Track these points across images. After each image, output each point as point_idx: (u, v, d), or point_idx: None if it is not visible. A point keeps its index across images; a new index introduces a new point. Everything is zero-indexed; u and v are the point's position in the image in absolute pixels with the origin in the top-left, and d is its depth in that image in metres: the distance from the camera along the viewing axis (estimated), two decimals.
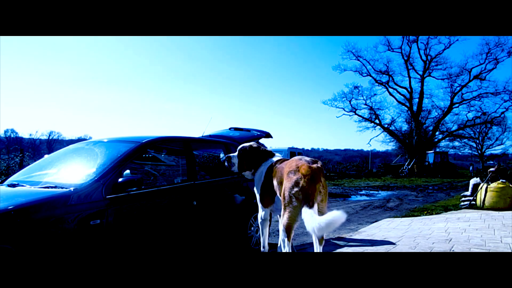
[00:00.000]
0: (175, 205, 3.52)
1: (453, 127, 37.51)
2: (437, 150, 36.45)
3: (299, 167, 2.68)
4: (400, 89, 36.57)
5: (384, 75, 36.22)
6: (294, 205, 2.57)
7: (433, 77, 36.16)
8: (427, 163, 32.82)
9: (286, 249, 2.62)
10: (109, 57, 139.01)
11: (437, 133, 37.58)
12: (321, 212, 2.60)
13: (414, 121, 36.23)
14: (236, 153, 3.55)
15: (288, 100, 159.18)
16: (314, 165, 2.69)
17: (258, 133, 5.57)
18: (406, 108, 37.19)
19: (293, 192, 2.59)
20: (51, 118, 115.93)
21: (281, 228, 2.68)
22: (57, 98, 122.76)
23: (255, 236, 4.45)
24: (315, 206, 2.49)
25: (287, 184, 2.66)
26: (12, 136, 61.72)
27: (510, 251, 3.81)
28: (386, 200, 11.40)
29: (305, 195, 2.53)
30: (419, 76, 36.18)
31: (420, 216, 7.23)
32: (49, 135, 66.25)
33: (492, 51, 32.83)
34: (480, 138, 44.22)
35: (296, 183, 2.60)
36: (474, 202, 7.88)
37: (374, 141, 47.06)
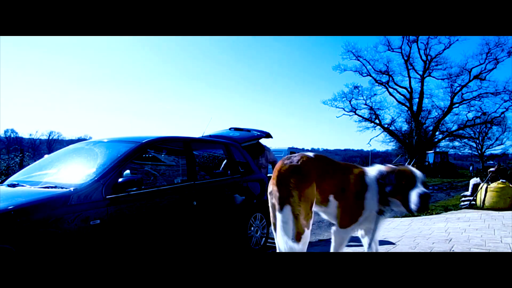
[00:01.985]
0: (175, 205, 3.52)
1: (453, 127, 37.49)
2: (437, 150, 36.43)
3: (276, 167, 2.67)
4: (400, 89, 36.55)
5: (384, 75, 36.18)
6: (271, 205, 2.61)
7: (433, 77, 36.13)
8: (427, 163, 32.81)
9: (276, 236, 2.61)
10: (109, 57, 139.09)
11: (437, 133, 37.56)
12: (298, 214, 2.48)
13: (414, 121, 36.22)
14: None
15: (288, 100, 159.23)
16: (286, 164, 2.59)
17: (258, 133, 5.58)
18: (406, 108, 37.19)
19: (268, 193, 2.64)
20: (51, 118, 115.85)
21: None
22: (57, 98, 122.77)
23: (255, 236, 4.45)
24: (286, 208, 2.45)
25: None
26: (12, 136, 61.70)
27: (510, 251, 3.81)
28: None
29: (276, 198, 2.52)
30: (419, 76, 36.15)
31: (420, 216, 7.23)
32: (49, 135, 66.24)
33: (492, 51, 32.78)
34: (480, 138, 44.20)
35: (270, 185, 2.62)
36: (474, 202, 7.88)
37: (374, 141, 47.05)
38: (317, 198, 2.66)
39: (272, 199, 2.59)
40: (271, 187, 2.59)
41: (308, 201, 2.56)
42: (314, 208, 2.70)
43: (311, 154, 2.78)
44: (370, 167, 2.89)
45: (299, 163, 2.59)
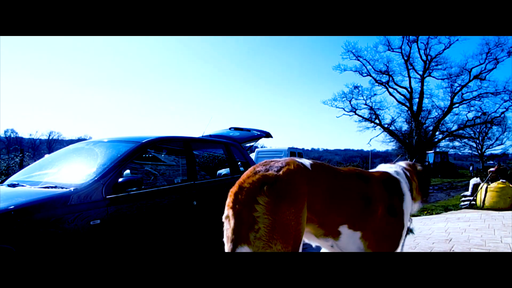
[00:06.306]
0: (175, 205, 3.52)
1: (453, 127, 37.52)
2: (437, 150, 36.47)
3: (241, 178, 1.75)
4: (400, 89, 36.59)
5: (384, 75, 36.21)
6: (226, 240, 1.75)
7: (433, 77, 36.17)
8: (427, 163, 32.83)
9: None
10: (109, 57, 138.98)
11: (437, 133, 37.59)
12: None
13: (414, 121, 36.24)
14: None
15: (288, 100, 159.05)
16: (256, 173, 1.68)
17: (258, 133, 5.58)
18: (406, 108, 37.22)
19: (223, 217, 1.79)
20: (51, 118, 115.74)
21: None
22: (57, 98, 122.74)
23: None
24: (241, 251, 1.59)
25: None
26: (12, 136, 61.74)
27: (510, 251, 3.81)
28: None
29: (229, 231, 1.67)
30: (419, 76, 36.20)
31: (420, 216, 7.23)
32: (49, 135, 66.25)
33: (492, 51, 32.81)
34: (480, 138, 44.24)
35: (226, 206, 1.76)
36: (474, 202, 7.89)
37: (374, 141, 47.07)
38: (317, 231, 1.86)
39: (227, 231, 1.70)
40: (226, 209, 1.74)
41: (288, 239, 1.60)
42: (315, 242, 1.96)
43: (307, 161, 1.84)
44: (377, 169, 2.31)
45: (281, 173, 1.64)
